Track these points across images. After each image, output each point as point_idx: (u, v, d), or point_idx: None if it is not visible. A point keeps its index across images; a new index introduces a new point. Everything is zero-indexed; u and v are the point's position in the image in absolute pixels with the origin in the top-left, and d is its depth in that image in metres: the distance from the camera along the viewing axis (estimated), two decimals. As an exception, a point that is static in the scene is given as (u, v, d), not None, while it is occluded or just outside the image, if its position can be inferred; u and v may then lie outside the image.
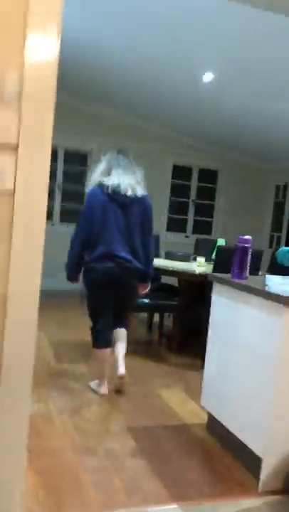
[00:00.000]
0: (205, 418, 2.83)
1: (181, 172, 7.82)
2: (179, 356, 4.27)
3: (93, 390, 3.27)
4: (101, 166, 3.22)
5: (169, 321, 5.04)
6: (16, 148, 1.72)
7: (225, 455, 2.51)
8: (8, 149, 1.72)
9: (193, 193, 7.97)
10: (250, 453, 2.31)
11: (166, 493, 2.11)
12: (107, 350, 3.21)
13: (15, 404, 1.76)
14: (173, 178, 7.74)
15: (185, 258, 5.06)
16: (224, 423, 2.55)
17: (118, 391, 3.25)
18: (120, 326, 3.35)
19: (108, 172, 3.15)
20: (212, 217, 8.11)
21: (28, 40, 1.69)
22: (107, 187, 3.09)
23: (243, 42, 4.13)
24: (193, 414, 3.02)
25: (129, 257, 3.13)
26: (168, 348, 4.53)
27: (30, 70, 1.72)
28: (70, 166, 7.21)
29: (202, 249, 5.65)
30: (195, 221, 8.02)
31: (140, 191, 3.17)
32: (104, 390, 3.21)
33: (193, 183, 7.95)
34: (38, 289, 1.79)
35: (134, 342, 4.69)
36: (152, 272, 3.37)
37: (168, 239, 7.41)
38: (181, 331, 4.50)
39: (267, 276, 2.45)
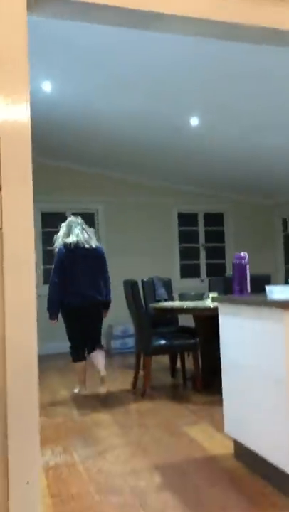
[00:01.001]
0: (233, 448, 2.74)
1: (187, 219, 7.97)
2: (204, 395, 4.17)
3: (76, 394, 4.37)
4: (62, 231, 4.39)
5: (191, 364, 4.95)
6: (-1, 189, 1.85)
7: (255, 479, 2.40)
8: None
9: (202, 237, 8.07)
10: (280, 472, 2.21)
11: (195, 521, 2.03)
12: (83, 363, 4.35)
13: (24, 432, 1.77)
14: (180, 225, 7.88)
15: (199, 297, 5.05)
16: (250, 446, 2.47)
17: (102, 384, 4.27)
18: (97, 348, 4.37)
19: (68, 234, 4.32)
20: (224, 258, 8.15)
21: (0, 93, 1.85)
22: (70, 244, 4.24)
23: (222, 80, 4.35)
24: (220, 445, 2.92)
25: (92, 292, 4.26)
26: (193, 389, 4.43)
27: (4, 118, 1.89)
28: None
29: (215, 287, 5.64)
30: (208, 265, 8.06)
31: (94, 243, 4.34)
32: (84, 391, 4.37)
33: (201, 228, 8.07)
34: (35, 320, 1.85)
35: (159, 387, 4.62)
36: (110, 299, 4.47)
37: (183, 285, 7.43)
38: (203, 369, 4.42)
39: (267, 287, 2.46)
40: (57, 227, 7.40)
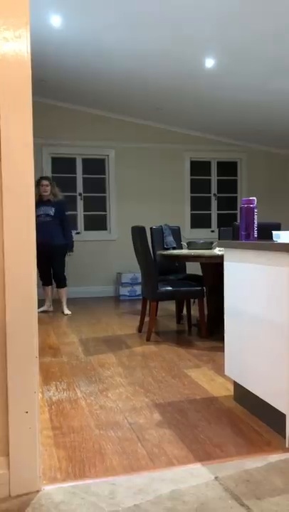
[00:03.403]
0: (233, 390, 2.78)
1: (199, 167, 7.81)
2: (208, 341, 4.22)
3: (41, 312, 5.74)
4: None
5: (197, 311, 4.99)
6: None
7: (253, 420, 2.45)
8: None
9: (214, 187, 7.94)
10: (276, 412, 2.25)
11: (190, 455, 2.08)
12: (49, 287, 5.91)
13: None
14: (192, 174, 7.73)
15: (207, 246, 5.02)
16: (249, 388, 2.50)
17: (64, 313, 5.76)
18: (61, 286, 5.81)
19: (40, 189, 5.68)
20: (236, 209, 8.03)
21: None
22: (43, 197, 5.65)
23: (242, 18, 4.11)
24: (221, 388, 2.97)
25: (51, 238, 5.58)
26: (198, 335, 4.49)
27: (2, 43, 1.79)
28: (89, 175, 7.35)
29: (226, 237, 5.59)
30: (219, 215, 7.97)
31: (58, 198, 5.73)
32: (48, 307, 5.92)
33: (213, 177, 7.92)
34: (34, 251, 1.83)
35: (165, 332, 4.68)
36: (71, 243, 5.85)
37: (193, 235, 7.39)
38: (208, 317, 4.45)
39: (274, 232, 2.41)
40: (67, 172, 7.35)
